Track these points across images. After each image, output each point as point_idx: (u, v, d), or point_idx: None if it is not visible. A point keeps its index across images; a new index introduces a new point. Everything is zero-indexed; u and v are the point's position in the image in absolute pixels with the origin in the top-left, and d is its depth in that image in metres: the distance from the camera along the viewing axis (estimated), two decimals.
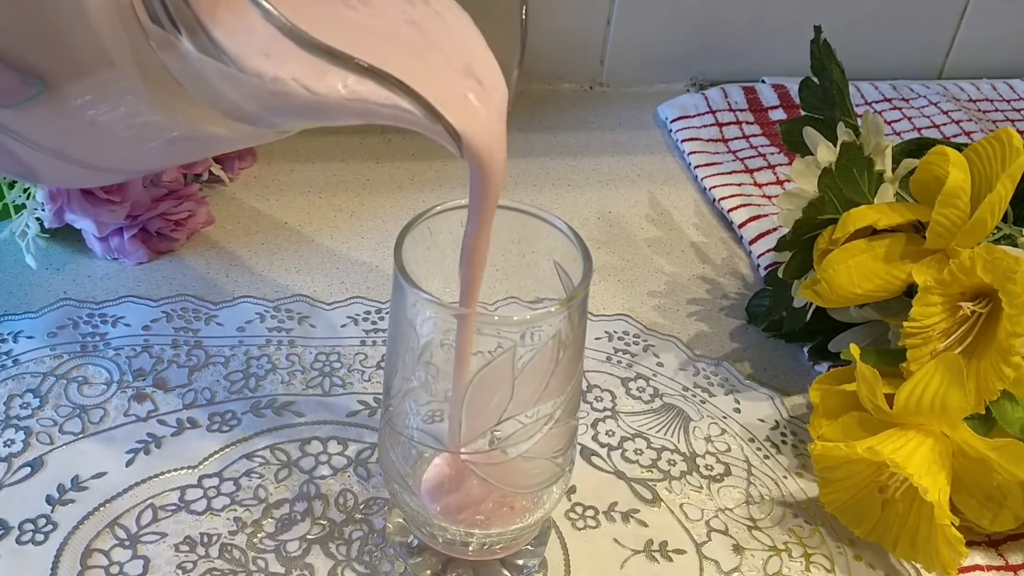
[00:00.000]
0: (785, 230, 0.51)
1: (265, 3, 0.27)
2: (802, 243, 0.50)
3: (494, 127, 0.32)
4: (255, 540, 0.42)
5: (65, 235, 0.56)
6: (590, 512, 0.45)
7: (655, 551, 0.44)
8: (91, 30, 0.31)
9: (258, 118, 0.34)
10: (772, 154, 0.70)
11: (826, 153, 0.50)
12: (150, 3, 0.30)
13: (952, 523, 0.40)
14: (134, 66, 0.32)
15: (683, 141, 0.71)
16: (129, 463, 0.44)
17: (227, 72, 0.31)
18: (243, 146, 0.41)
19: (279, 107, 0.32)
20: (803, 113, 0.55)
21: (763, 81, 0.78)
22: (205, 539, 0.42)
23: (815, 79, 0.54)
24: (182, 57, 0.31)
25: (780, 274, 0.52)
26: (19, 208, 0.54)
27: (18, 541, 0.41)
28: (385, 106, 0.31)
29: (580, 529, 0.44)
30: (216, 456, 0.45)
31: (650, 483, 0.46)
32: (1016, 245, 0.46)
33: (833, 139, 0.51)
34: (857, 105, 0.74)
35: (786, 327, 0.54)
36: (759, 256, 0.61)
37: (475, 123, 0.32)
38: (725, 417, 0.50)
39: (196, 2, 0.30)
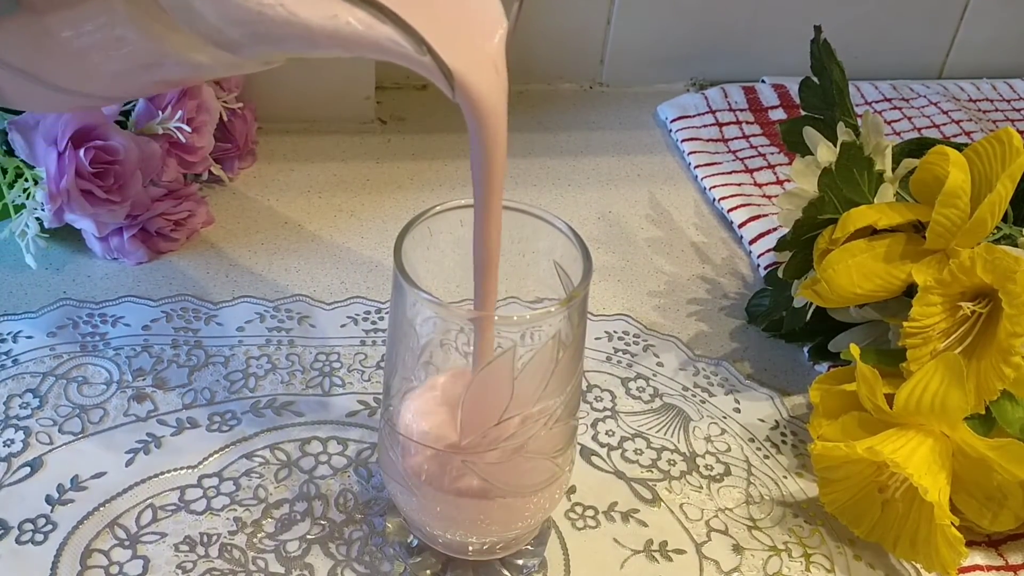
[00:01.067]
0: (785, 230, 0.51)
1: None
2: (802, 243, 0.50)
3: (490, 65, 0.30)
4: (255, 540, 0.42)
5: (65, 235, 0.56)
6: (590, 512, 0.45)
7: (655, 551, 0.44)
8: None
9: (240, 45, 0.33)
10: (772, 154, 0.70)
11: (826, 153, 0.50)
12: None
13: (952, 523, 0.40)
14: None
15: (683, 141, 0.71)
16: (129, 463, 0.44)
17: None
18: (225, 75, 0.39)
19: (263, 34, 0.31)
20: (803, 113, 0.55)
21: (763, 81, 0.78)
22: (205, 539, 0.42)
23: (815, 79, 0.54)
24: None
25: (780, 274, 0.52)
26: (19, 208, 0.54)
27: (18, 541, 0.41)
28: (374, 38, 0.29)
29: (580, 529, 0.44)
30: (216, 456, 0.45)
31: (650, 483, 0.46)
32: (1016, 245, 0.46)
33: (833, 139, 0.51)
34: (857, 105, 0.74)
35: (786, 327, 0.54)
36: (759, 256, 0.61)
37: (470, 61, 0.29)
38: (725, 417, 0.50)
39: None
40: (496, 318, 0.33)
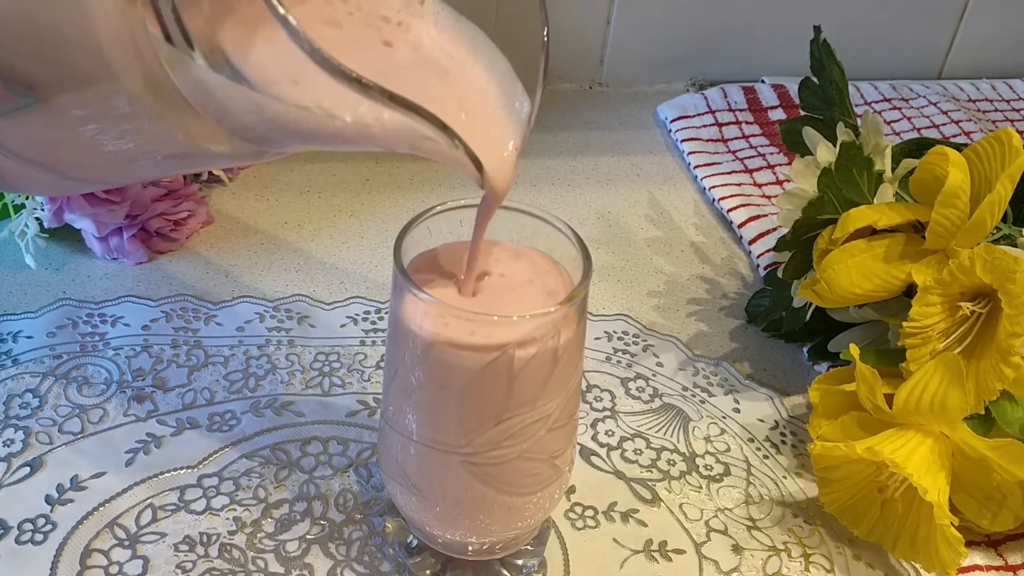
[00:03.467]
0: (785, 230, 0.51)
1: (298, 28, 0.27)
2: (802, 243, 0.50)
3: (512, 163, 0.34)
4: (255, 540, 0.42)
5: (64, 235, 0.56)
6: (589, 512, 0.45)
7: (655, 551, 0.44)
8: (95, 43, 0.31)
9: (267, 140, 0.34)
10: (772, 154, 0.70)
11: (826, 153, 0.50)
12: (165, 21, 0.30)
13: (951, 523, 0.40)
14: (140, 81, 0.32)
15: (683, 141, 0.71)
16: (129, 463, 0.44)
17: (245, 94, 0.31)
18: (239, 163, 0.41)
19: (295, 131, 0.32)
20: (803, 113, 0.55)
21: (763, 81, 0.78)
22: (204, 539, 0.42)
23: (815, 79, 0.54)
24: (194, 76, 0.31)
25: (780, 274, 0.52)
26: (18, 208, 0.54)
27: (17, 541, 0.41)
28: (413, 137, 0.31)
29: (580, 529, 0.44)
30: (216, 456, 0.45)
31: (649, 483, 0.47)
32: (1016, 245, 0.46)
33: (833, 139, 0.51)
34: (857, 105, 0.74)
35: (786, 327, 0.54)
36: (759, 256, 0.61)
37: (499, 160, 0.33)
38: (724, 417, 0.50)
39: (216, 23, 0.30)
40: (496, 319, 0.34)
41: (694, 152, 0.70)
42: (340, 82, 0.28)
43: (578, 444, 0.47)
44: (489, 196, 0.34)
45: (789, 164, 0.65)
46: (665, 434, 0.49)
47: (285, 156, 0.38)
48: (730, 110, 0.73)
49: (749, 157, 0.70)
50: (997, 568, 0.44)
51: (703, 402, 0.51)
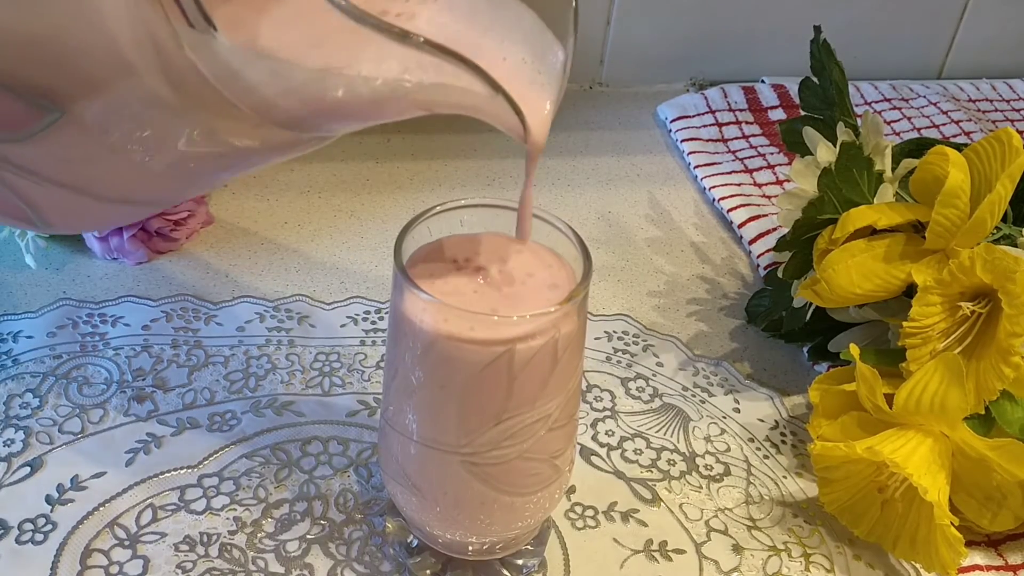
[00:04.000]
0: (785, 230, 0.51)
1: None
2: (802, 243, 0.50)
3: (551, 116, 0.33)
4: (255, 540, 0.42)
5: (64, 235, 0.56)
6: (590, 512, 0.45)
7: (655, 551, 0.44)
8: (114, 44, 0.30)
9: (297, 121, 0.33)
10: (772, 154, 0.70)
11: (826, 153, 0.50)
12: (184, 6, 0.29)
13: (952, 523, 0.40)
14: (161, 77, 0.31)
15: (683, 141, 0.71)
16: (129, 463, 0.44)
17: (269, 66, 0.30)
18: (273, 161, 0.39)
19: (323, 103, 0.31)
20: (803, 113, 0.55)
21: (763, 81, 0.78)
22: (205, 539, 0.42)
23: (815, 79, 0.54)
24: (219, 58, 0.30)
25: (780, 274, 0.52)
26: None
27: (18, 541, 0.41)
28: (449, 91, 0.30)
29: (580, 529, 0.44)
30: (216, 456, 0.45)
31: (650, 483, 0.47)
32: (1016, 245, 0.46)
33: (833, 139, 0.51)
34: (857, 105, 0.74)
35: (786, 327, 0.54)
36: (759, 256, 0.61)
37: (537, 112, 0.33)
38: (725, 417, 0.50)
39: (230, 4, 0.29)
40: (496, 319, 0.34)
41: (694, 152, 0.70)
42: (380, 34, 0.27)
43: (578, 444, 0.47)
44: (531, 149, 0.34)
45: (789, 164, 0.65)
46: (665, 434, 0.49)
47: (327, 142, 0.37)
48: (730, 110, 0.73)
49: (749, 157, 0.70)
50: (997, 568, 0.44)
51: (703, 402, 0.51)
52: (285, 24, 0.30)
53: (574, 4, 0.33)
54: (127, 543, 0.41)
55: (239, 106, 0.32)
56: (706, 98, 0.74)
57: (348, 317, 0.54)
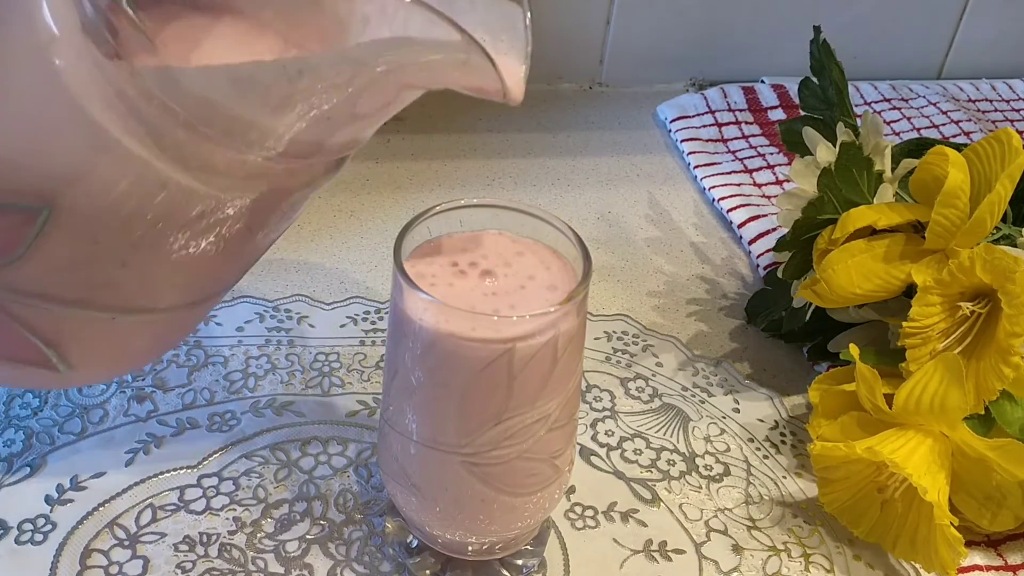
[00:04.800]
0: (784, 230, 0.51)
1: None
2: (801, 243, 0.50)
3: (525, 75, 0.34)
4: (254, 540, 0.42)
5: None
6: (589, 512, 0.45)
7: (654, 551, 0.44)
8: (84, 115, 0.29)
9: (305, 141, 0.32)
10: (771, 154, 0.70)
11: (825, 153, 0.50)
12: (122, 46, 0.28)
13: (951, 523, 0.40)
14: (142, 136, 0.30)
15: (682, 141, 0.71)
16: (129, 463, 0.44)
17: (230, 75, 0.30)
18: (293, 211, 0.37)
19: (293, 103, 0.31)
20: (802, 113, 0.55)
21: (763, 81, 0.78)
22: (204, 539, 0.42)
23: (815, 79, 0.54)
24: (181, 86, 0.30)
25: (780, 274, 0.52)
26: None
27: (17, 541, 0.41)
28: (434, 46, 0.30)
29: (579, 529, 0.44)
30: (215, 456, 0.45)
31: (649, 483, 0.47)
32: (1015, 245, 0.46)
33: (832, 139, 0.51)
34: (857, 105, 0.74)
35: (786, 327, 0.54)
36: (759, 256, 0.61)
37: (514, 73, 0.33)
38: (724, 417, 0.50)
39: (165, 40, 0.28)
40: (496, 318, 0.34)
41: (694, 152, 0.70)
42: None
43: (578, 444, 0.47)
44: (512, 103, 0.33)
45: (789, 164, 0.65)
46: (665, 434, 0.49)
47: (339, 168, 0.35)
48: (730, 110, 0.73)
49: (749, 157, 0.70)
50: (997, 568, 0.44)
51: (703, 402, 0.51)
52: (225, 36, 0.30)
53: None
54: (127, 543, 0.41)
55: (221, 143, 0.31)
56: (706, 98, 0.74)
57: (348, 317, 0.54)
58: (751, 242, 0.62)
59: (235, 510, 0.43)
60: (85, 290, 0.33)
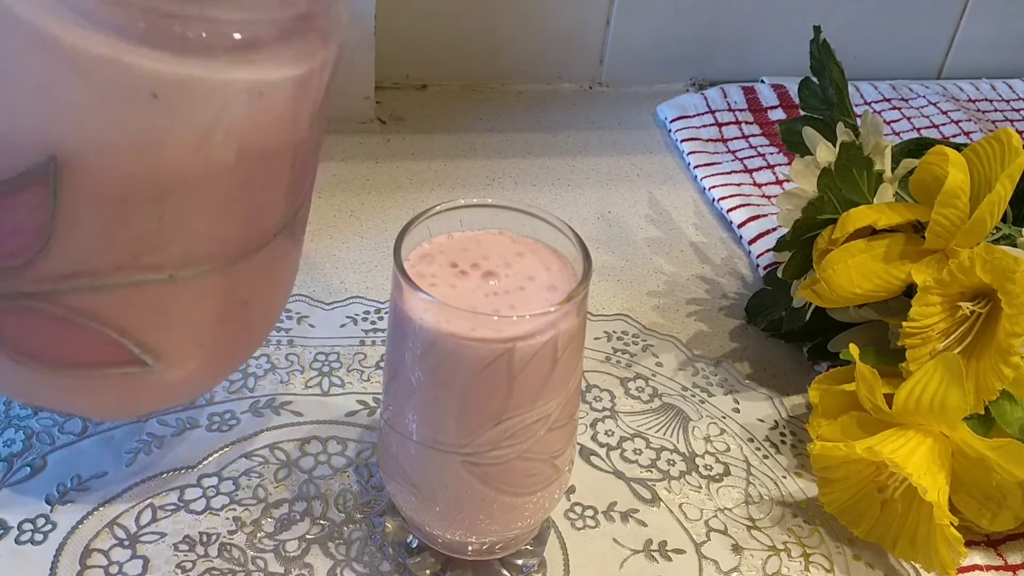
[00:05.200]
0: (784, 230, 0.51)
1: None
2: (801, 243, 0.50)
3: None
4: (254, 540, 0.42)
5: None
6: (589, 512, 0.45)
7: (654, 551, 0.44)
8: (40, 36, 0.27)
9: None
10: (771, 154, 0.70)
11: (825, 153, 0.50)
12: None
13: (951, 523, 0.40)
14: (112, 39, 0.28)
15: (682, 141, 0.71)
16: (129, 463, 0.44)
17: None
18: (321, 115, 0.35)
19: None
20: (802, 113, 0.55)
21: (763, 81, 0.78)
22: (204, 539, 0.42)
23: (814, 79, 0.54)
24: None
25: (779, 274, 0.52)
26: None
27: (17, 541, 0.41)
28: None
29: (579, 529, 0.44)
30: (215, 456, 0.45)
31: (649, 483, 0.47)
32: (1015, 245, 0.46)
33: (832, 139, 0.51)
34: (856, 105, 0.74)
35: (786, 327, 0.54)
36: (758, 256, 0.61)
37: None
38: (724, 417, 0.50)
39: None
40: (496, 318, 0.34)
41: (694, 152, 0.70)
42: None
43: (578, 444, 0.47)
44: None
45: (789, 164, 0.65)
46: (665, 434, 0.49)
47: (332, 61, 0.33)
48: (730, 110, 0.73)
49: (749, 157, 0.70)
50: (997, 568, 0.44)
51: (703, 402, 0.51)
52: None
53: None
54: (127, 543, 0.41)
55: (184, 8, 0.28)
56: (706, 98, 0.74)
57: (348, 317, 0.54)
58: (751, 242, 0.62)
59: (235, 510, 0.43)
60: (127, 251, 0.31)
